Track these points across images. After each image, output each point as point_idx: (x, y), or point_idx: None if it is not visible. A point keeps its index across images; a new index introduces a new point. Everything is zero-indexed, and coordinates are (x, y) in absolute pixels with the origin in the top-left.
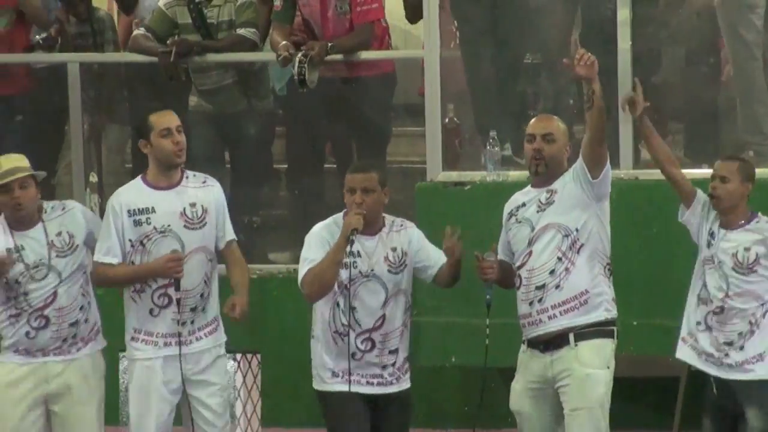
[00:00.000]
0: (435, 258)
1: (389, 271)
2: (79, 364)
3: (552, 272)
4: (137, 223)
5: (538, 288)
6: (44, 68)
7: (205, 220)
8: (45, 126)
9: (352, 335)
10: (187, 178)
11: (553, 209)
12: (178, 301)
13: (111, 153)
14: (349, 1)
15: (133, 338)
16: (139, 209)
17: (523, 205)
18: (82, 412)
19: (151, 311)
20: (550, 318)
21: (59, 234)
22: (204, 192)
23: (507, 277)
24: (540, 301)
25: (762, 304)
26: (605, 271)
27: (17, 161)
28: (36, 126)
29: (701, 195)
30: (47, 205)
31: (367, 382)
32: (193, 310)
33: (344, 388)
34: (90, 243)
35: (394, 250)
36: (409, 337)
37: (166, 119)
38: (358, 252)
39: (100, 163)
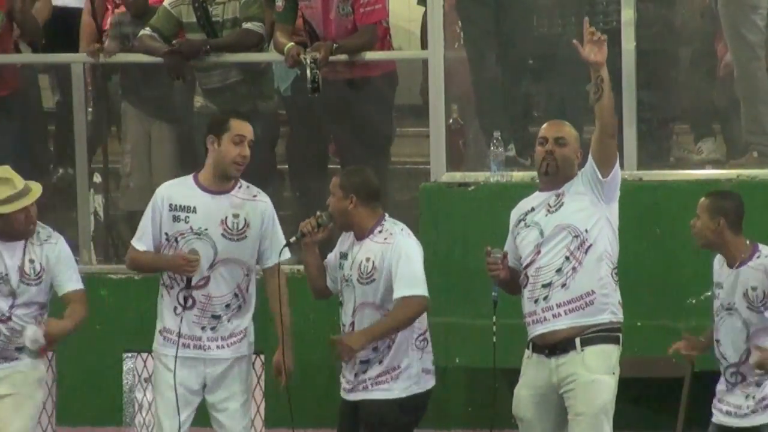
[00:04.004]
0: (395, 286)
1: (358, 280)
2: (19, 368)
3: (559, 270)
4: (176, 219)
5: (544, 286)
6: (29, 67)
7: (246, 234)
8: (38, 126)
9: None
10: (239, 187)
11: (562, 211)
12: (185, 298)
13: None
14: (352, 2)
15: (159, 332)
16: (180, 206)
17: (532, 209)
18: (11, 417)
19: (174, 309)
20: (555, 316)
21: (32, 261)
22: (251, 205)
23: (513, 282)
24: (545, 299)
25: None
26: (612, 274)
27: (16, 176)
28: (28, 126)
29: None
30: (40, 226)
31: (343, 387)
32: (216, 317)
33: (342, 394)
34: (55, 285)
35: (367, 260)
36: (401, 352)
37: (246, 128)
38: (347, 255)
39: (105, 164)
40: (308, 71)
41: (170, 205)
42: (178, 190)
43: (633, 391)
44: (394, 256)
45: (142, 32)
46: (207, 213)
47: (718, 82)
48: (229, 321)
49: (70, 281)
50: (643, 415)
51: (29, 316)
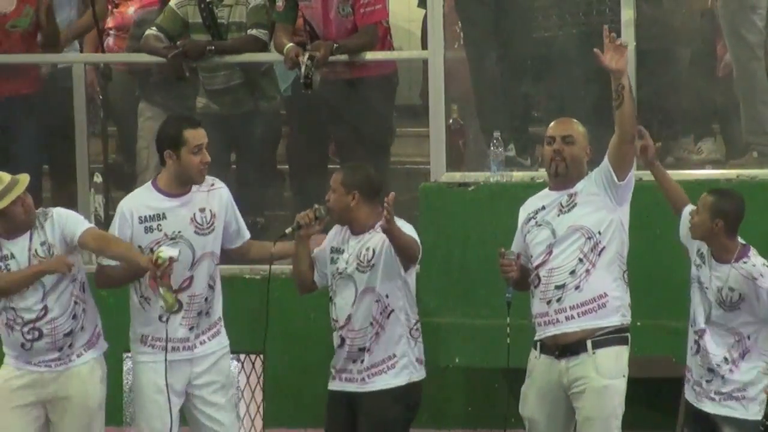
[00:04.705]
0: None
1: (358, 269)
2: (77, 370)
3: (572, 273)
4: (148, 230)
5: (557, 287)
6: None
7: (214, 225)
8: (60, 124)
9: (336, 329)
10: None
11: (576, 212)
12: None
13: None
14: (352, 3)
15: (140, 342)
16: (149, 216)
17: (543, 208)
18: (78, 418)
19: (160, 317)
20: (567, 318)
21: (43, 243)
22: (211, 196)
23: (523, 280)
24: (558, 300)
25: (739, 341)
26: (624, 276)
27: (1, 173)
28: (51, 124)
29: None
30: (38, 212)
31: (339, 379)
32: (200, 314)
33: (330, 385)
34: (70, 242)
35: (368, 249)
36: (393, 341)
37: (200, 135)
38: (343, 250)
39: (106, 164)
40: (303, 67)
41: (139, 217)
42: (142, 201)
43: (633, 391)
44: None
45: (147, 32)
46: (176, 216)
47: (718, 82)
48: (207, 314)
49: (77, 227)
50: (643, 415)
51: (64, 300)
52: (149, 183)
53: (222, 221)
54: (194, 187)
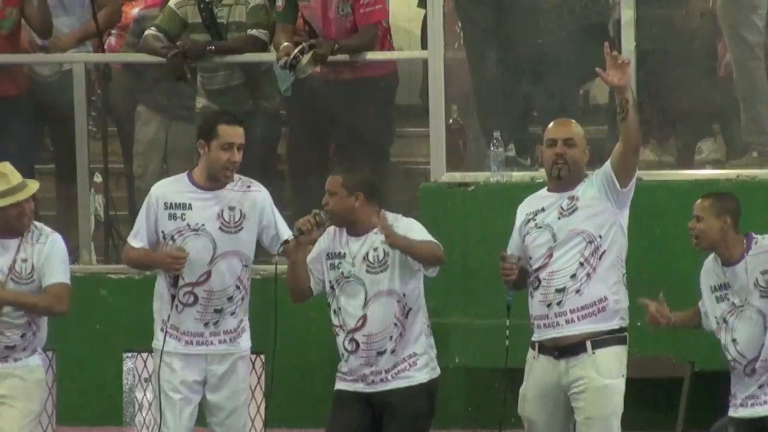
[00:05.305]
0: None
1: (368, 271)
2: (17, 372)
3: (573, 276)
4: (172, 217)
5: (558, 291)
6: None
7: (242, 226)
8: (48, 126)
9: (342, 335)
10: (233, 181)
11: (576, 216)
12: (173, 296)
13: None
14: (351, 3)
15: (160, 329)
16: (175, 203)
17: (543, 210)
18: (18, 419)
19: (176, 307)
20: (567, 322)
21: (25, 261)
22: (245, 198)
23: (521, 281)
24: (559, 304)
25: None
26: (623, 279)
27: (13, 172)
28: (38, 126)
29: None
30: (37, 227)
31: (353, 380)
32: (218, 311)
33: (340, 386)
34: (41, 273)
35: (375, 249)
36: (413, 339)
37: (234, 133)
38: (344, 254)
39: (106, 164)
40: (294, 51)
41: (165, 203)
42: (172, 188)
43: (633, 391)
44: (405, 229)
45: (147, 32)
46: (202, 209)
47: (718, 82)
48: (232, 314)
49: (53, 275)
50: (643, 415)
51: (19, 314)
52: (185, 173)
53: (254, 225)
54: (230, 186)
